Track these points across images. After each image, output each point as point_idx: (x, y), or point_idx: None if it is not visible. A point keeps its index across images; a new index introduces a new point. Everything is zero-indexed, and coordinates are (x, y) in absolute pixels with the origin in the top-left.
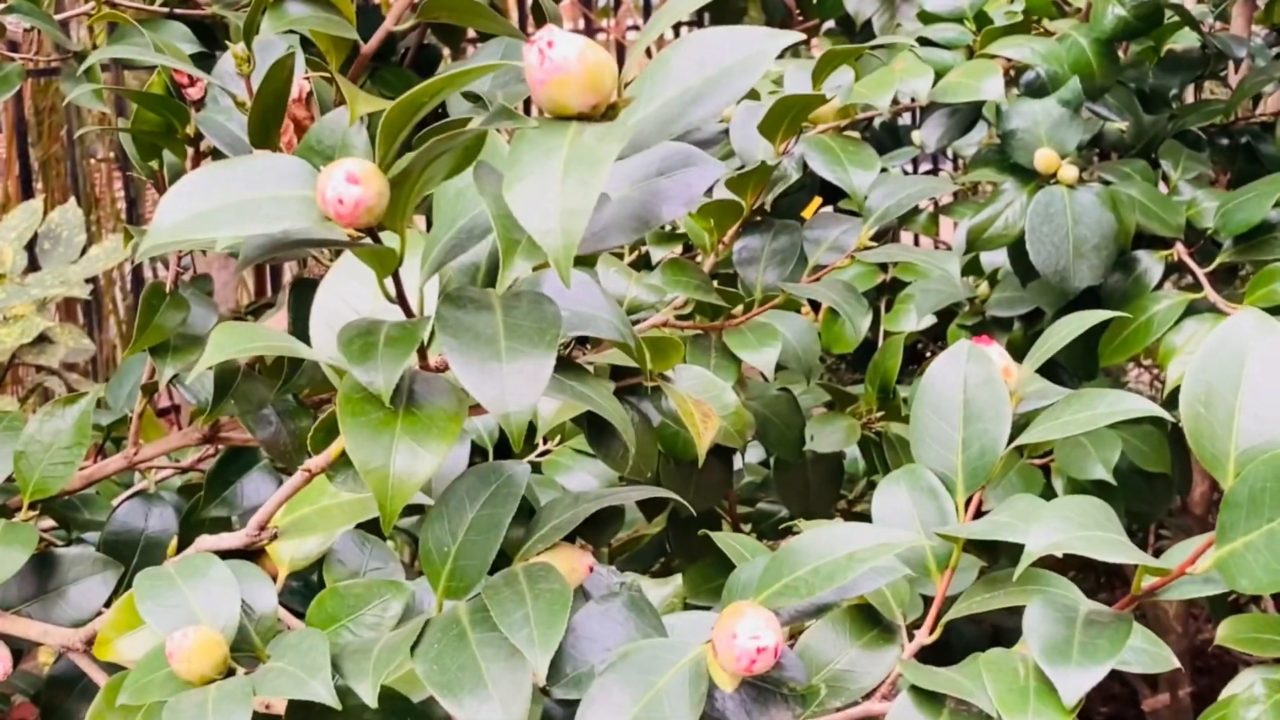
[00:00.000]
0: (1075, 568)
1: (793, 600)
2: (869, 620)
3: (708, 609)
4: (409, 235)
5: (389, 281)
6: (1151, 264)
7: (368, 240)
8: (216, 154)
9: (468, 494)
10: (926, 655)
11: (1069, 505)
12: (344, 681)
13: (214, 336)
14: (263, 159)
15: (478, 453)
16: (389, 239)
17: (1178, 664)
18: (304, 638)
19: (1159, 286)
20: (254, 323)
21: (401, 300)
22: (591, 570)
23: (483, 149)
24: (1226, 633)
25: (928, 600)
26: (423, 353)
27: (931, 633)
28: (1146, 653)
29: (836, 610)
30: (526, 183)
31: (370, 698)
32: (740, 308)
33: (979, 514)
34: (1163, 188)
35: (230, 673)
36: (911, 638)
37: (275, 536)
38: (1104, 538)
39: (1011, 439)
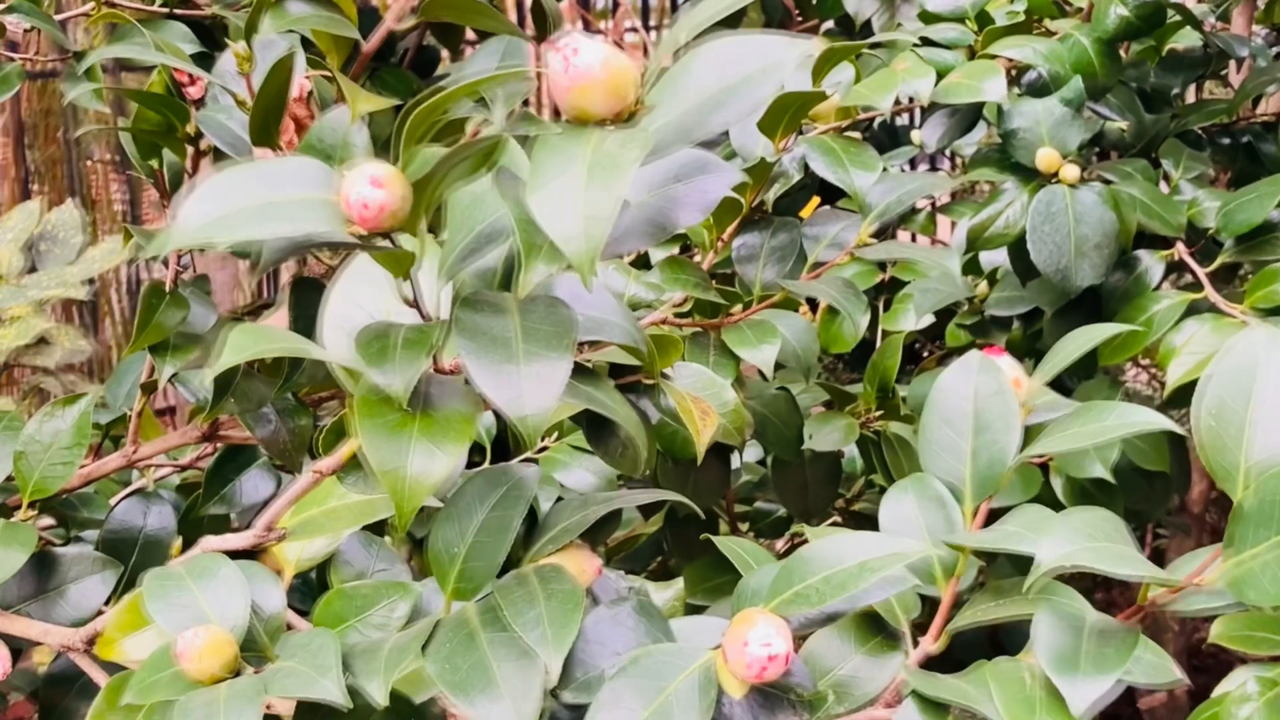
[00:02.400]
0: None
1: (803, 608)
2: (873, 627)
3: (705, 608)
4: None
5: (405, 285)
6: (1152, 263)
7: (386, 243)
8: (217, 153)
9: (477, 496)
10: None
11: (1078, 516)
12: (353, 681)
13: (230, 338)
14: (284, 161)
15: (474, 450)
16: (405, 241)
17: (1182, 676)
18: (313, 637)
19: (1159, 286)
20: (255, 322)
21: (417, 303)
22: (600, 573)
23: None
24: (1221, 630)
25: (926, 600)
26: (435, 355)
27: (937, 641)
28: (1150, 664)
29: (841, 617)
30: (549, 188)
31: (381, 698)
32: (739, 305)
33: (986, 522)
34: (1164, 187)
35: (239, 672)
36: (915, 643)
37: (283, 537)
38: (1114, 550)
39: (1020, 449)
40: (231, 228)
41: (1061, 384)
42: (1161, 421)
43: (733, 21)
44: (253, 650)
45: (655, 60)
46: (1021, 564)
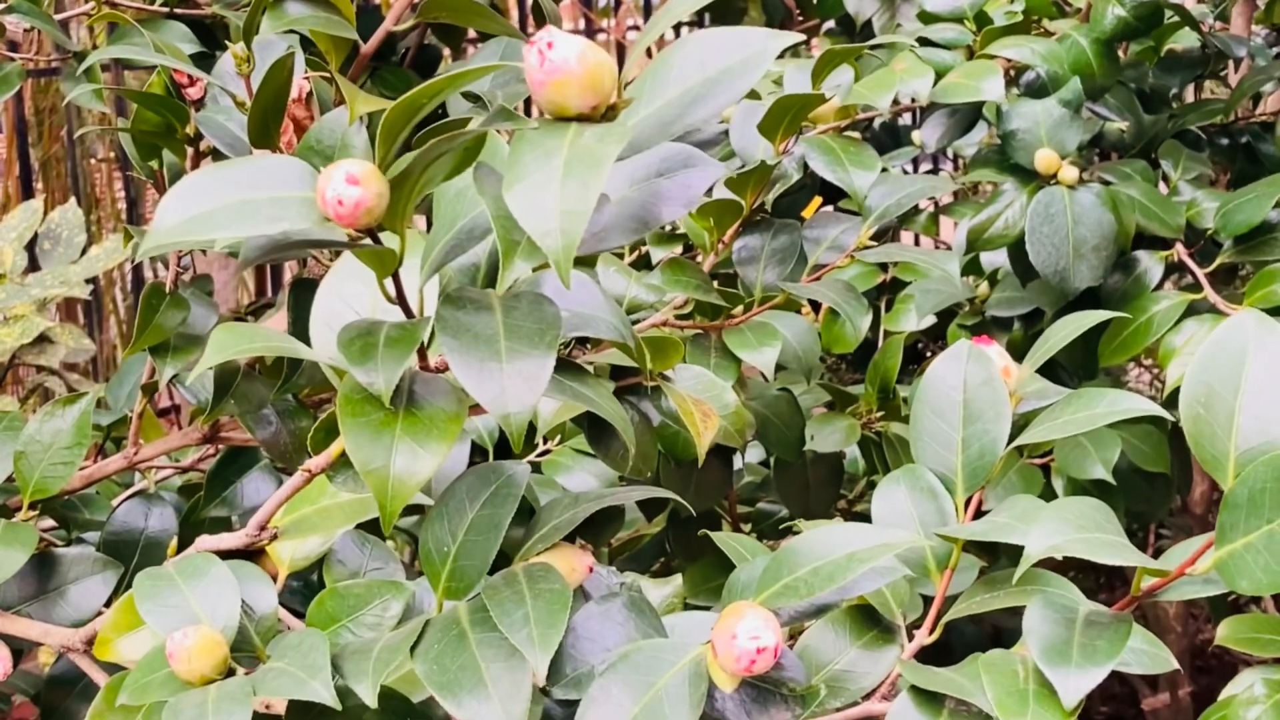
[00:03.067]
0: (1075, 568)
1: (792, 600)
2: (869, 620)
3: (707, 609)
4: (408, 236)
5: (389, 282)
6: (1151, 264)
7: (367, 241)
8: (216, 154)
9: (468, 494)
10: (927, 654)
11: (1068, 507)
12: (344, 681)
13: (215, 337)
14: (263, 160)
15: (477, 452)
16: (388, 239)
17: (1177, 665)
18: (304, 638)
19: (1159, 287)
20: (254, 323)
21: (401, 301)
22: (591, 570)
23: (482, 150)
24: (1226, 633)
25: (927, 600)
26: (422, 353)
27: (931, 633)
28: (1146, 654)
29: (836, 610)
30: (526, 183)
31: (370, 698)
32: (740, 307)
33: (979, 514)
34: (1163, 188)
35: (230, 673)
36: (911, 638)
37: (275, 537)
38: (1103, 540)
39: (1011, 439)
40: (209, 226)
41: (1063, 385)
42: (1152, 407)
43: (734, 22)
44: (244, 650)
45: (635, 54)
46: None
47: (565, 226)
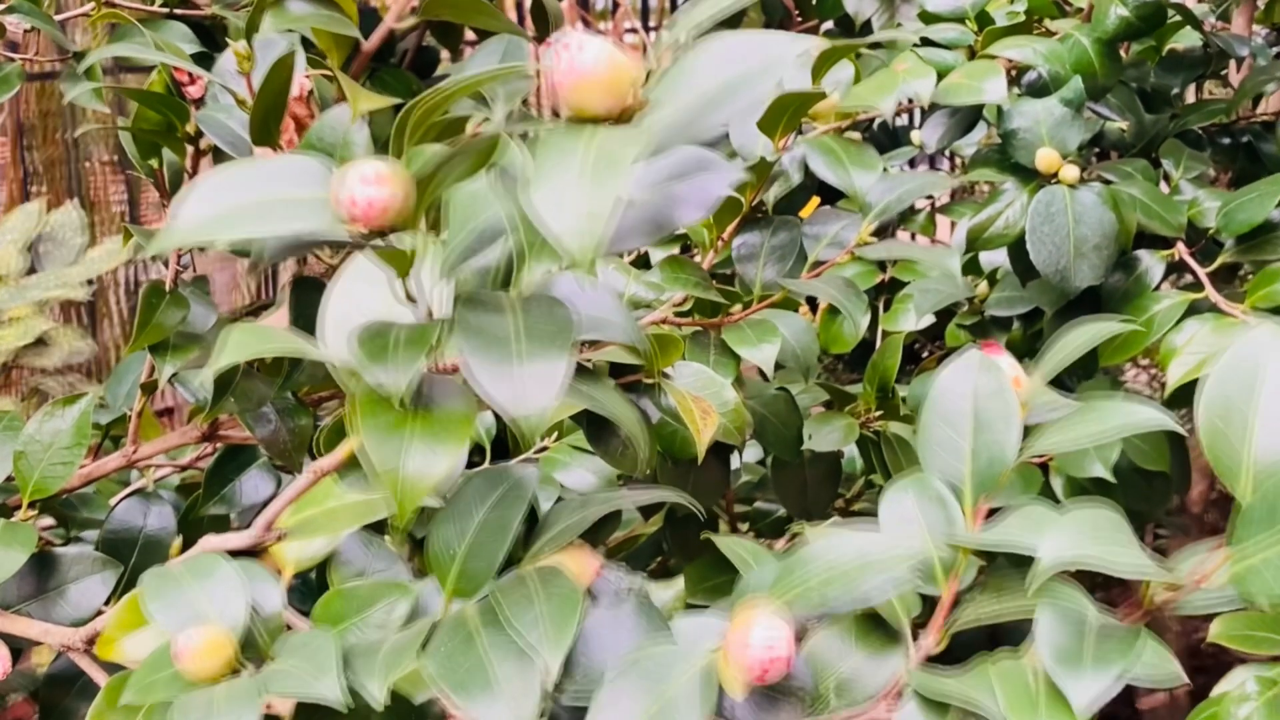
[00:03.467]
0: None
1: (805, 608)
2: (874, 626)
3: (705, 608)
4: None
5: (404, 283)
6: (1152, 264)
7: (383, 242)
8: (217, 152)
9: (476, 496)
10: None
11: (1081, 516)
12: (352, 681)
13: (231, 337)
14: (281, 160)
15: (474, 450)
16: (404, 240)
17: (1185, 679)
18: (312, 638)
19: (1159, 286)
20: (255, 322)
21: (415, 302)
22: (599, 572)
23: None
24: (1220, 630)
25: (925, 598)
26: (434, 354)
27: (938, 641)
28: (1152, 662)
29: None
30: (549, 185)
31: (381, 697)
32: (739, 305)
33: (985, 518)
34: (1164, 187)
35: (238, 672)
36: (915, 639)
37: (282, 537)
38: (1118, 550)
39: (1021, 449)
40: (230, 226)
41: (1061, 384)
42: (1166, 421)
43: (733, 22)
44: (252, 650)
45: (655, 58)
46: (1021, 562)
47: (588, 229)
